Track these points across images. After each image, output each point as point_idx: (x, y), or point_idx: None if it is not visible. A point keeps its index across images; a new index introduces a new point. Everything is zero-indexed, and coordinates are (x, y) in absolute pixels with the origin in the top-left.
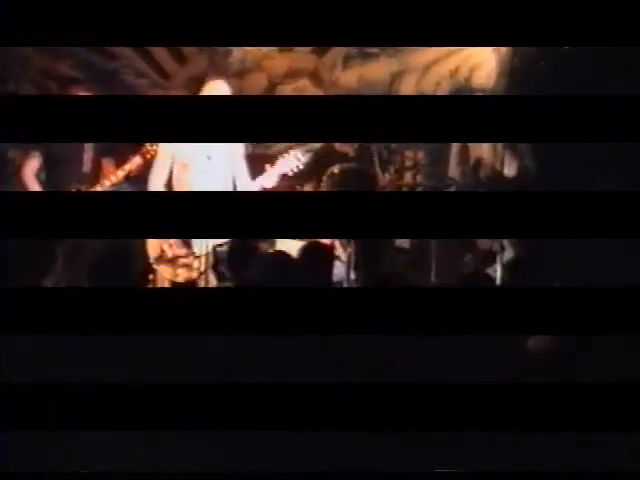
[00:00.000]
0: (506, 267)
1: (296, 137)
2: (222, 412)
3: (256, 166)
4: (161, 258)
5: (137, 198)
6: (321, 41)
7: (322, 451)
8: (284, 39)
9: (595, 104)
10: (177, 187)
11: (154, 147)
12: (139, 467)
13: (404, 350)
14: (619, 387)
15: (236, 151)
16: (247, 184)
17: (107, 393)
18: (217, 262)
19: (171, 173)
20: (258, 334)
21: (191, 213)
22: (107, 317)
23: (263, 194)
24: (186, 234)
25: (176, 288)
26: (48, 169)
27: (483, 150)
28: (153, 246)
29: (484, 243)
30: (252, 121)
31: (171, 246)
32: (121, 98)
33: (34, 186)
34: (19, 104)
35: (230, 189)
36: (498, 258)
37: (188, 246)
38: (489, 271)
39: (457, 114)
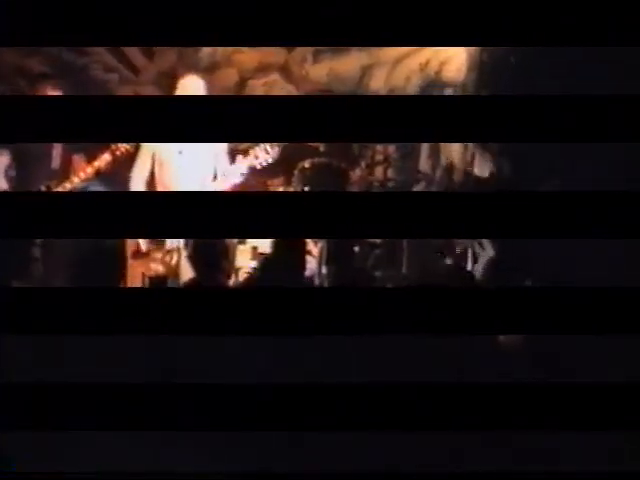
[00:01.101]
0: (479, 264)
1: (274, 137)
2: (221, 412)
3: (231, 160)
4: (137, 253)
5: (122, 198)
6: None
7: (322, 451)
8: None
9: (580, 103)
10: (158, 182)
11: (124, 144)
12: (138, 467)
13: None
14: (619, 387)
15: (217, 146)
16: (223, 178)
17: (106, 393)
18: (189, 256)
19: (152, 168)
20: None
21: (166, 213)
22: (106, 317)
23: (234, 194)
24: (159, 234)
25: (175, 288)
26: (17, 166)
27: (453, 145)
28: (130, 241)
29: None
30: (229, 121)
31: (146, 240)
32: (101, 98)
33: (3, 183)
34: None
35: (211, 184)
36: (471, 254)
37: (160, 240)
38: (462, 267)
39: (442, 113)
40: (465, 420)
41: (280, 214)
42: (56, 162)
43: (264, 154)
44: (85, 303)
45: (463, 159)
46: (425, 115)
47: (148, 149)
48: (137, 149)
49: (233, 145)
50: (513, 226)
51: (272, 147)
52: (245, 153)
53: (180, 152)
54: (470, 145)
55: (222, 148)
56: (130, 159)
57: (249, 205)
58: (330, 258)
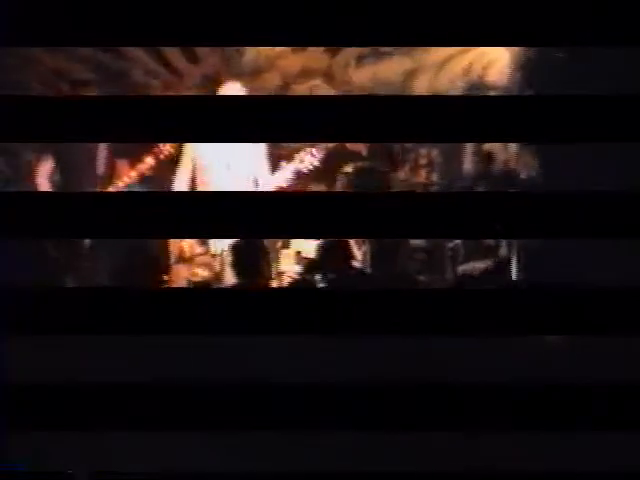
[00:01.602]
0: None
1: (312, 137)
2: (222, 412)
3: (274, 164)
4: (180, 257)
5: (151, 198)
6: (334, 42)
7: (322, 451)
8: (297, 40)
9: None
10: (200, 187)
11: (167, 147)
12: (139, 467)
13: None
14: (619, 387)
15: (257, 149)
16: (266, 182)
17: (107, 393)
18: (234, 260)
19: (194, 174)
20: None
21: (207, 213)
22: (110, 317)
23: (278, 194)
24: (201, 234)
25: (179, 288)
26: (61, 171)
27: (496, 147)
28: (174, 245)
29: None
30: (266, 121)
31: (191, 245)
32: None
33: (48, 188)
34: (32, 104)
35: (251, 188)
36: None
37: (205, 244)
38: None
39: (477, 114)
40: (465, 420)
41: (322, 215)
42: (100, 168)
43: (310, 157)
44: (85, 303)
45: (506, 162)
46: (439, 117)
47: (190, 155)
48: (179, 155)
49: (276, 150)
50: (515, 226)
51: (318, 150)
52: (289, 158)
53: (221, 160)
54: (512, 147)
55: (264, 153)
56: (172, 165)
57: (291, 206)
58: (373, 261)
